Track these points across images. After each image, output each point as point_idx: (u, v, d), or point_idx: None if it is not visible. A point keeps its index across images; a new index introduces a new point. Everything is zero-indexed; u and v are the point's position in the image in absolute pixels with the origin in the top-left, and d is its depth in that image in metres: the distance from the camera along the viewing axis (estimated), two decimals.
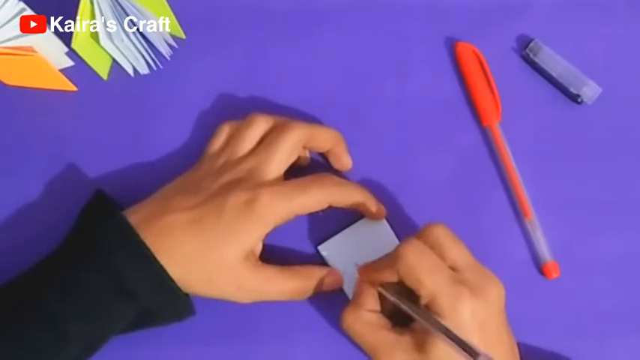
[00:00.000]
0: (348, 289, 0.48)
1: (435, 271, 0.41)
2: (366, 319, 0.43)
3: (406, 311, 0.41)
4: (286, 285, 0.45)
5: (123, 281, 0.41)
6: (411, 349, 0.41)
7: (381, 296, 0.44)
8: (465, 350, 0.37)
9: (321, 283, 0.46)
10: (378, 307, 0.44)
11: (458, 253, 0.42)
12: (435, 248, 0.42)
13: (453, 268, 0.41)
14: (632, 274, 0.49)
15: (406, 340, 0.41)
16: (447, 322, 0.39)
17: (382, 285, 0.44)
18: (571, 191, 0.51)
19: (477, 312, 0.40)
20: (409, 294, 0.42)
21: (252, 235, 0.44)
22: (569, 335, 0.48)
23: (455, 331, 0.38)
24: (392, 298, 0.43)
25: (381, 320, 0.43)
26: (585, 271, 0.49)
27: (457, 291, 0.40)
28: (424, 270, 0.40)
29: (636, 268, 0.49)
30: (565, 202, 0.50)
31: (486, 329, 0.40)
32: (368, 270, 0.45)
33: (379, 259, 0.45)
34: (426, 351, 0.40)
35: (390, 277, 0.42)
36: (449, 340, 0.38)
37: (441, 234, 0.42)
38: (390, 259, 0.42)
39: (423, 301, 0.41)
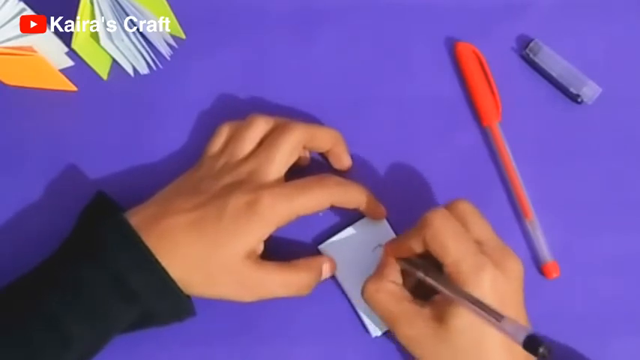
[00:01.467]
0: (349, 288, 0.48)
1: (460, 238, 0.42)
2: (388, 290, 0.44)
3: (429, 282, 0.42)
4: (288, 279, 0.45)
5: (124, 283, 0.41)
6: (431, 320, 0.42)
7: (402, 274, 0.45)
8: (489, 314, 0.38)
9: (320, 273, 0.47)
10: (400, 280, 0.45)
11: (482, 227, 0.43)
12: (460, 222, 0.43)
13: (476, 242, 0.42)
14: (632, 274, 0.49)
15: (427, 311, 0.42)
16: (469, 291, 0.40)
17: (405, 260, 0.45)
18: (571, 191, 0.51)
19: (497, 283, 0.40)
20: (431, 269, 0.43)
21: (254, 237, 0.44)
22: (569, 335, 0.48)
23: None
24: (415, 270, 0.44)
25: (403, 292, 0.44)
26: (585, 271, 0.49)
27: (480, 260, 0.41)
28: (450, 236, 0.41)
29: (636, 268, 0.49)
30: (565, 202, 0.50)
31: (505, 302, 0.40)
32: (394, 243, 0.46)
33: (405, 232, 0.45)
34: (447, 322, 0.41)
35: (416, 245, 0.43)
36: (472, 306, 0.39)
37: (467, 209, 0.44)
38: (417, 227, 0.43)
39: (446, 270, 0.41)
